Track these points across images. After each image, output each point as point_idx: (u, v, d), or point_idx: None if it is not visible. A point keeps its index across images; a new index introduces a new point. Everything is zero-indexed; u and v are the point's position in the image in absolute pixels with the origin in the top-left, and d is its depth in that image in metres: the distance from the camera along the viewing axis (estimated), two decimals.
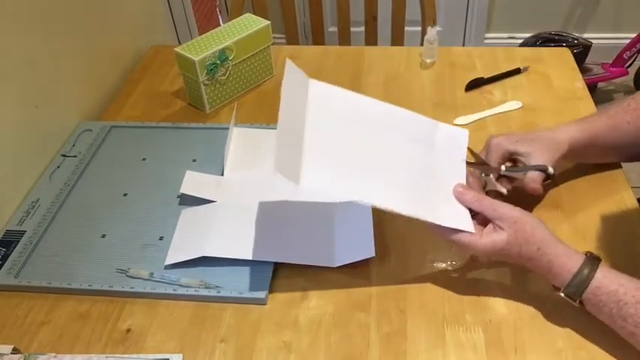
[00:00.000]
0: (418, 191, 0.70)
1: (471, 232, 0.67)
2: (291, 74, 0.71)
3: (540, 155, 0.76)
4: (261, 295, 0.73)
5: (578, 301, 0.64)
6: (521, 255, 0.65)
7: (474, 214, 0.69)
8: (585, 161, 0.85)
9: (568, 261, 0.64)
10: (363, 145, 0.72)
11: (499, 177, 0.78)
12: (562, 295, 0.64)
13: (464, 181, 0.73)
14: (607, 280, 0.62)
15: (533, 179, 0.75)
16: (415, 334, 0.69)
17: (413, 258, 0.78)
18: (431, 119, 0.79)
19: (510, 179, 0.79)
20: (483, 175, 0.75)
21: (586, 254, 0.65)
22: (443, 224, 0.67)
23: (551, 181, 0.79)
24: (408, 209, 0.66)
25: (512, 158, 0.79)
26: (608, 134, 0.79)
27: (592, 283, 0.62)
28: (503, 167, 0.76)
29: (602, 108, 0.83)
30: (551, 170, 0.76)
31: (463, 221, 0.68)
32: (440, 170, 0.74)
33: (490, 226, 0.67)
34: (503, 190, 0.76)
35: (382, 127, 0.75)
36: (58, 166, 0.96)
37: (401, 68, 1.15)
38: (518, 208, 0.67)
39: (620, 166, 0.88)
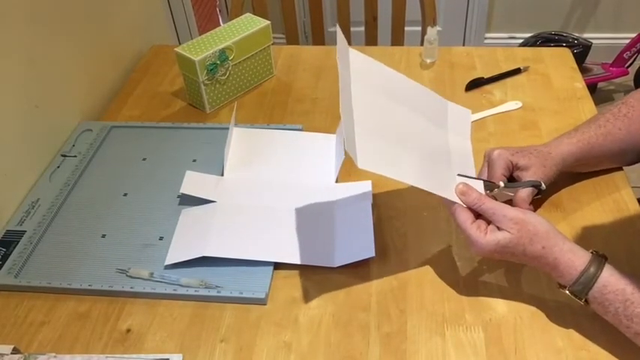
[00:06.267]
0: (442, 171, 0.71)
1: (477, 227, 0.66)
2: (340, 44, 0.72)
3: (536, 170, 0.76)
4: (261, 295, 0.73)
5: (583, 300, 0.63)
6: (526, 254, 0.65)
7: (479, 214, 0.69)
8: (584, 171, 0.85)
9: (574, 258, 0.63)
10: (399, 121, 0.73)
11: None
12: (567, 293, 0.64)
13: (471, 161, 0.74)
14: (614, 279, 0.62)
15: (522, 199, 0.75)
16: (415, 334, 0.69)
17: (413, 258, 0.78)
18: (441, 97, 0.80)
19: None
20: (488, 191, 0.74)
21: (592, 252, 0.65)
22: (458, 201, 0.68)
23: (540, 196, 0.79)
24: (442, 191, 0.68)
25: (510, 172, 0.78)
26: (602, 144, 0.79)
27: (599, 282, 0.62)
28: (501, 183, 0.75)
29: (594, 116, 0.83)
30: (543, 186, 0.76)
31: None
32: (454, 151, 0.75)
33: (491, 225, 0.67)
34: (512, 194, 0.76)
35: (411, 103, 0.76)
36: (58, 166, 0.96)
37: (401, 68, 1.15)
38: (518, 209, 0.67)
39: (620, 167, 0.88)
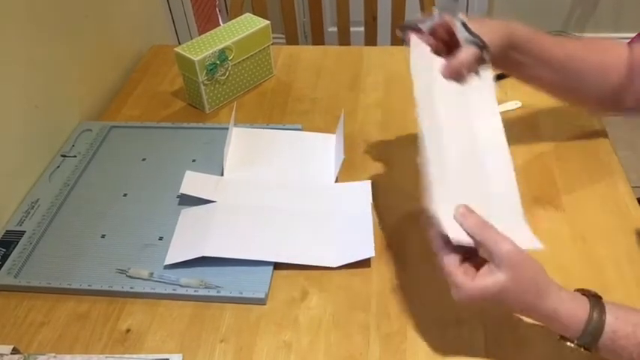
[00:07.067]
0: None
1: (464, 272, 0.59)
2: (417, 49, 0.67)
3: (487, 34, 0.70)
4: (261, 295, 0.73)
5: (594, 349, 0.58)
6: (519, 302, 0.58)
7: (467, 257, 0.61)
8: (519, 70, 0.77)
9: (575, 307, 0.58)
10: (454, 137, 0.68)
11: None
12: (574, 346, 0.59)
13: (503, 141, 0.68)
14: (621, 322, 0.57)
15: (468, 50, 0.69)
16: (415, 334, 0.69)
17: (413, 258, 0.78)
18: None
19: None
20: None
21: (585, 294, 0.60)
22: (446, 231, 0.59)
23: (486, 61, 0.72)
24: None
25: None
26: (552, 47, 0.75)
27: (606, 328, 0.57)
28: (464, 18, 0.70)
29: None
30: (487, 56, 0.70)
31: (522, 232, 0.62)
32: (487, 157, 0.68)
33: (486, 267, 0.58)
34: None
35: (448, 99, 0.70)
36: (58, 166, 0.96)
37: (401, 68, 1.15)
38: (519, 249, 0.58)
39: (621, 167, 0.88)
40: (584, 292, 0.60)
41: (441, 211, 0.61)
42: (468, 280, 0.58)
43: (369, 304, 0.72)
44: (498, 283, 0.57)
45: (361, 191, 0.85)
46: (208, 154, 0.95)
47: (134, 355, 0.68)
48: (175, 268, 0.77)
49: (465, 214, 0.61)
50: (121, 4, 1.21)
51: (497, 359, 0.66)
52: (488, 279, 0.57)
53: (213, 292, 0.74)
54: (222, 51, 1.02)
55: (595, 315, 0.57)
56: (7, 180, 0.88)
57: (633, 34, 2.15)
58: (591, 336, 0.57)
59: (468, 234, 0.60)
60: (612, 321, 0.57)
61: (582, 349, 0.59)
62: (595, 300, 0.59)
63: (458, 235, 0.60)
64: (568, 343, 0.59)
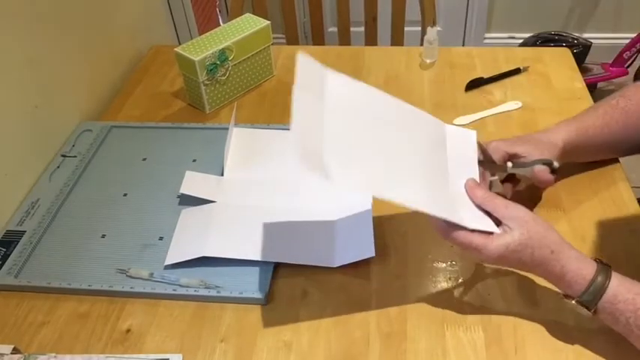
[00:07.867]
0: (439, 192, 0.68)
1: (484, 234, 0.63)
2: (305, 66, 0.68)
3: (540, 154, 0.75)
4: (261, 295, 0.73)
5: (592, 310, 0.62)
6: (534, 258, 0.62)
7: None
8: (579, 160, 0.85)
9: (582, 267, 0.62)
10: (382, 143, 0.69)
11: (502, 181, 0.77)
12: (574, 303, 0.62)
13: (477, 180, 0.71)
14: (623, 288, 0.60)
15: (542, 170, 0.74)
16: (415, 334, 0.69)
17: (413, 258, 0.78)
18: (438, 120, 0.76)
19: (513, 182, 0.78)
20: (489, 175, 0.74)
21: (596, 260, 0.63)
22: (468, 226, 0.63)
23: (557, 175, 0.78)
24: (434, 209, 0.64)
25: (512, 161, 0.77)
26: (599, 134, 0.80)
27: (608, 291, 0.60)
28: (509, 164, 0.75)
29: (592, 106, 0.84)
30: (556, 164, 0.75)
31: (486, 222, 0.65)
32: (453, 172, 0.71)
33: (500, 229, 0.64)
34: (508, 193, 0.76)
35: (397, 124, 0.72)
36: (58, 167, 0.96)
37: (401, 68, 1.15)
38: (529, 211, 0.64)
39: (620, 167, 0.88)
40: (597, 259, 0.64)
41: (440, 212, 0.64)
42: (488, 241, 0.62)
43: (369, 304, 0.73)
44: (516, 240, 0.62)
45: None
46: (208, 155, 0.96)
47: (134, 355, 0.69)
48: (175, 268, 0.77)
49: (473, 186, 0.67)
50: (121, 4, 1.21)
51: (497, 359, 0.66)
52: (507, 237, 0.62)
53: (213, 292, 0.74)
54: (222, 51, 1.02)
55: (599, 278, 0.61)
56: (8, 180, 0.88)
57: (633, 35, 2.15)
58: (592, 295, 0.61)
59: (477, 203, 0.66)
60: (615, 286, 0.60)
61: (583, 309, 0.62)
62: (603, 266, 0.63)
63: (476, 224, 0.64)
64: (571, 301, 0.63)
